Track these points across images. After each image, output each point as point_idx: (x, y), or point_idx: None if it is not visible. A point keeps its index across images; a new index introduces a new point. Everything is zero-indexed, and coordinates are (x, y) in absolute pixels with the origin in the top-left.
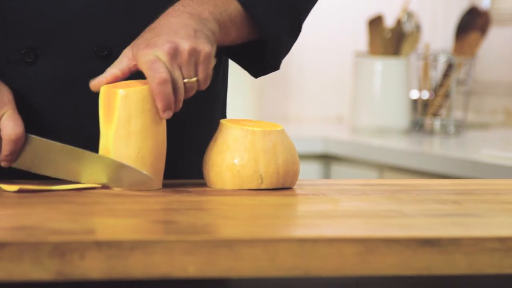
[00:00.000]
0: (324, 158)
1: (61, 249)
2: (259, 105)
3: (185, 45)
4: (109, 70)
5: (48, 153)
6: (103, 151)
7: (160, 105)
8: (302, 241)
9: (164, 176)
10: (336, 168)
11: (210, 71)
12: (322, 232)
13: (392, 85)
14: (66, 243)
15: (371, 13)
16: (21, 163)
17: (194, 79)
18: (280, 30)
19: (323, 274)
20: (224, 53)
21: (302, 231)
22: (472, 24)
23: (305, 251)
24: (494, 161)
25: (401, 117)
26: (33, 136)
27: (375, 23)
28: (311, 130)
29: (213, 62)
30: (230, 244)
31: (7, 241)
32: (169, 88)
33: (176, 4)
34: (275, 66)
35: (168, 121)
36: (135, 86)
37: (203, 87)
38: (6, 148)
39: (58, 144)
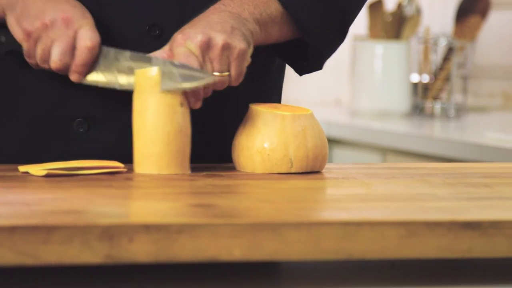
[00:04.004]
0: None
1: (110, 233)
2: None
3: (218, 39)
4: None
5: (117, 61)
6: None
7: (190, 100)
8: (346, 225)
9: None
10: (337, 151)
11: (244, 69)
12: (364, 215)
13: (392, 69)
14: (116, 226)
15: None
16: (90, 77)
17: (226, 73)
18: (322, 31)
19: (367, 257)
20: (269, 50)
21: (344, 214)
22: (473, 7)
23: (348, 234)
24: (498, 144)
25: (402, 100)
26: (104, 46)
27: (375, 7)
28: None
29: (247, 60)
30: (275, 227)
31: (57, 225)
32: None
33: (217, 3)
34: (318, 66)
35: (224, 110)
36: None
37: (235, 83)
38: (80, 58)
39: (128, 52)
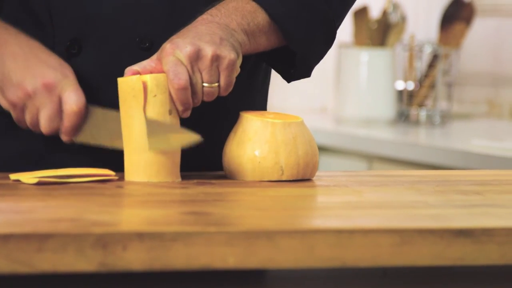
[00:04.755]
0: None
1: (104, 241)
2: None
3: (208, 50)
4: (130, 67)
5: (106, 122)
6: None
7: (179, 108)
8: (339, 232)
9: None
10: (323, 159)
11: (233, 79)
12: (356, 223)
13: (377, 76)
14: (109, 234)
15: (356, 4)
16: (81, 137)
17: (215, 84)
18: (309, 40)
19: (360, 265)
20: (258, 57)
21: (337, 222)
22: (457, 14)
23: (342, 242)
24: (484, 151)
25: (387, 107)
26: (91, 106)
27: (360, 14)
28: None
29: (237, 70)
30: (269, 235)
31: (51, 233)
32: (188, 94)
33: (205, 13)
34: (306, 73)
35: (208, 114)
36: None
37: (224, 93)
38: (68, 121)
39: (114, 112)
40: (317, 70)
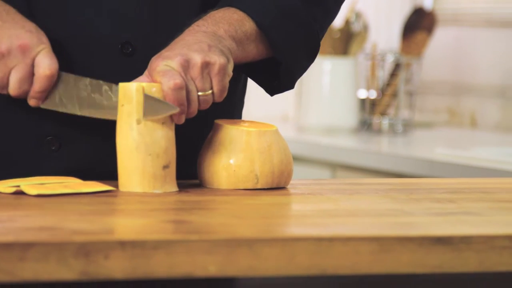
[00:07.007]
0: None
1: (86, 249)
2: None
3: (197, 58)
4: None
5: (77, 89)
6: None
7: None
8: (319, 240)
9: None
10: None
11: (226, 84)
12: (335, 231)
13: (340, 85)
14: (91, 243)
15: None
16: (49, 102)
17: (209, 91)
18: (294, 51)
19: (339, 273)
20: (241, 71)
21: (316, 230)
22: (419, 24)
23: (322, 250)
24: (449, 160)
25: (349, 116)
26: (63, 72)
27: None
28: None
29: (229, 74)
30: (250, 243)
31: (33, 242)
32: (183, 94)
33: (191, 25)
34: (290, 85)
35: (186, 130)
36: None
37: (219, 99)
38: (38, 85)
39: (88, 78)
40: None
